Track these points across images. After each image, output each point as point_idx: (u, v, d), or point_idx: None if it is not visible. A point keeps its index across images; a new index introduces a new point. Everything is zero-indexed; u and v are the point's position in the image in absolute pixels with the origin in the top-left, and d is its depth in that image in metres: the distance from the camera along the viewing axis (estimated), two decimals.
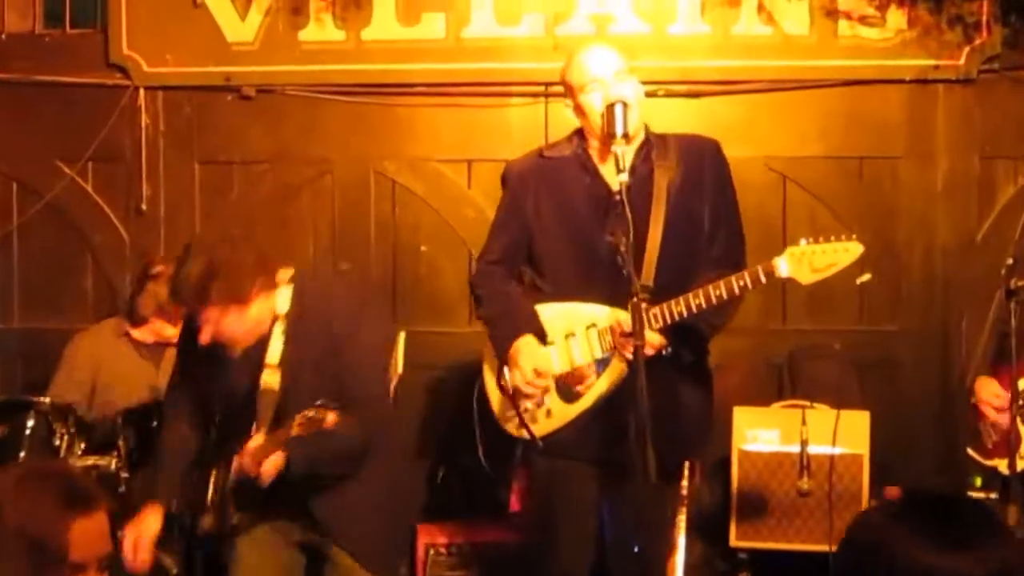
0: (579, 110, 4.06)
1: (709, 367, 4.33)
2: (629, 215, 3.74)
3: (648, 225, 3.96)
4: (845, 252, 3.80)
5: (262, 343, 4.02)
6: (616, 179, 3.93)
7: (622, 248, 3.72)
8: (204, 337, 3.93)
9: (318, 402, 3.76)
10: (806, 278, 3.83)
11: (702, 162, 4.15)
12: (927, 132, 6.02)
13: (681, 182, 4.06)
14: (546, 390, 4.05)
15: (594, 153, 4.11)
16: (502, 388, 4.14)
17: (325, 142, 6.19)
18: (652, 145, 4.11)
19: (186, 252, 3.97)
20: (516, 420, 4.09)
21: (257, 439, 3.92)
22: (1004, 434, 4.60)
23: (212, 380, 4.13)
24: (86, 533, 2.51)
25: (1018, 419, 4.52)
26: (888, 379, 6.04)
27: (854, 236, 3.83)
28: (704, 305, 3.85)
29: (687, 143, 4.20)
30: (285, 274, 4.09)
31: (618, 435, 3.94)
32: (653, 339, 3.89)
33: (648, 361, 3.67)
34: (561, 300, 4.11)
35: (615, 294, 3.92)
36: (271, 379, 4.01)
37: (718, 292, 3.84)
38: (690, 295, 3.85)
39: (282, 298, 4.04)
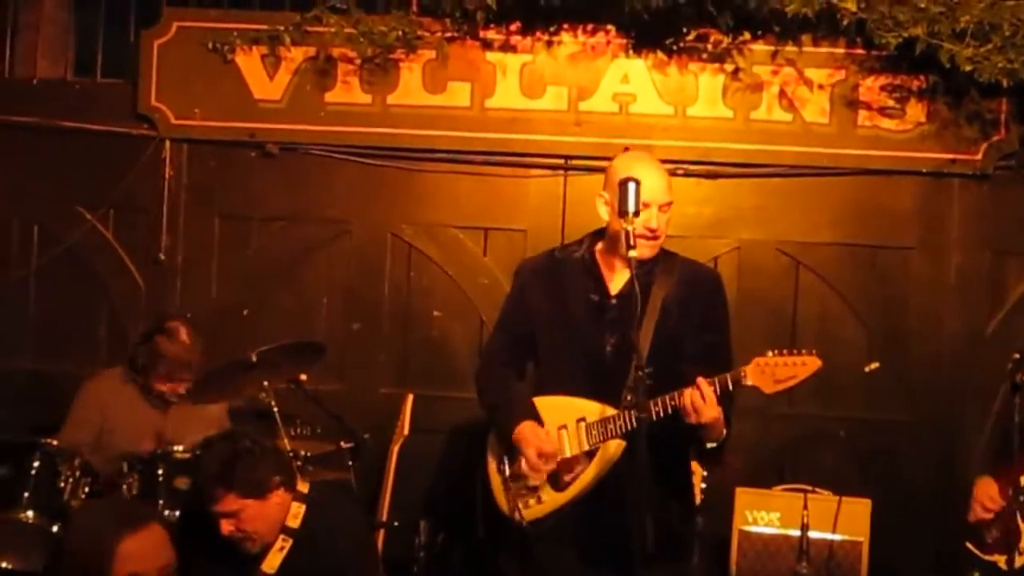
0: (611, 203, 4.04)
1: (690, 478, 4.39)
2: (637, 290, 3.81)
3: (638, 336, 4.02)
4: (803, 366, 3.90)
5: (262, 550, 4.08)
6: (615, 286, 4.15)
7: (614, 346, 4.04)
8: (226, 528, 3.96)
9: None
10: (769, 388, 3.92)
11: (697, 292, 4.23)
12: (941, 225, 6.06)
13: (673, 302, 4.16)
14: (546, 472, 4.13)
15: (600, 258, 4.22)
16: (500, 473, 4.25)
17: (345, 203, 6.25)
18: (659, 260, 4.20)
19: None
20: (510, 502, 4.20)
21: None
22: (1003, 530, 4.59)
23: None
24: (138, 547, 2.86)
25: (1018, 514, 4.52)
26: (892, 468, 6.03)
27: (814, 351, 3.92)
28: (662, 413, 3.91)
29: (690, 269, 4.29)
30: (303, 486, 4.18)
31: (609, 524, 4.02)
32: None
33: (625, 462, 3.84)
34: (555, 394, 4.21)
35: (606, 393, 4.07)
36: None
37: (673, 402, 3.93)
38: (651, 401, 3.90)
39: (292, 513, 4.10)
